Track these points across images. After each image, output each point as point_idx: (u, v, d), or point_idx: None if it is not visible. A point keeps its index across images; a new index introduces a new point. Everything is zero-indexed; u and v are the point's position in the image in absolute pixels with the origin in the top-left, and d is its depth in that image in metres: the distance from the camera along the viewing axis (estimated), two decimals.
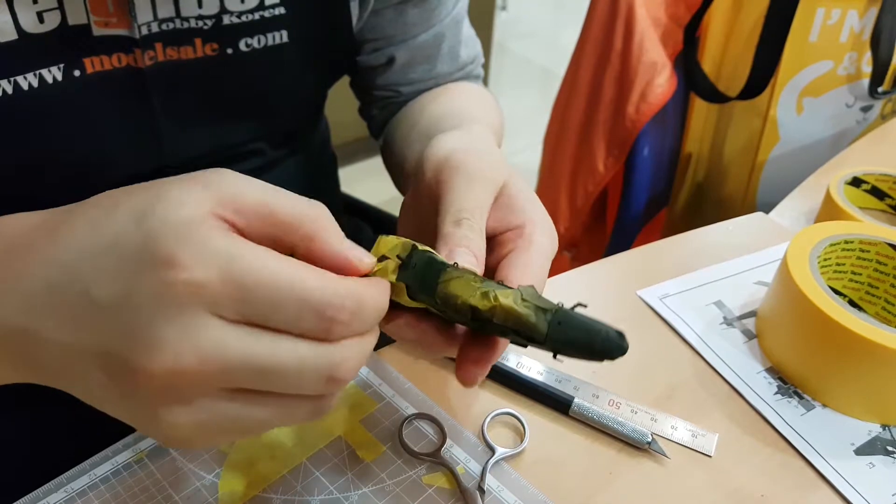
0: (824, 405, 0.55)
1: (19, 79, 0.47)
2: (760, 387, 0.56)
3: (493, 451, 0.50)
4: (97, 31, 0.49)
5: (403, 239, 0.37)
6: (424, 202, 0.45)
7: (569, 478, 0.49)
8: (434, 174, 0.44)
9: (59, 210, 0.34)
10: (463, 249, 0.38)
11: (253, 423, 0.32)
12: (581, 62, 1.18)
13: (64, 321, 0.30)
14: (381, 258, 0.37)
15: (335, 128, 0.85)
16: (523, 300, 0.35)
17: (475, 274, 0.36)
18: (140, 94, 0.53)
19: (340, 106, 0.97)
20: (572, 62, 1.21)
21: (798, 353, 0.56)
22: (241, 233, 0.31)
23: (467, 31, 0.72)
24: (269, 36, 0.56)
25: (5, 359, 0.33)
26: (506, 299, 0.35)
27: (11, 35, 0.46)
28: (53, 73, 0.48)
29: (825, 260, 0.60)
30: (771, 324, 0.59)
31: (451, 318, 0.37)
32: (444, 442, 0.50)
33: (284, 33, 0.57)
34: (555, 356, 0.35)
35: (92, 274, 0.30)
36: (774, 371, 0.58)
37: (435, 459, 0.49)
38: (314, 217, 0.32)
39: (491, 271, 0.42)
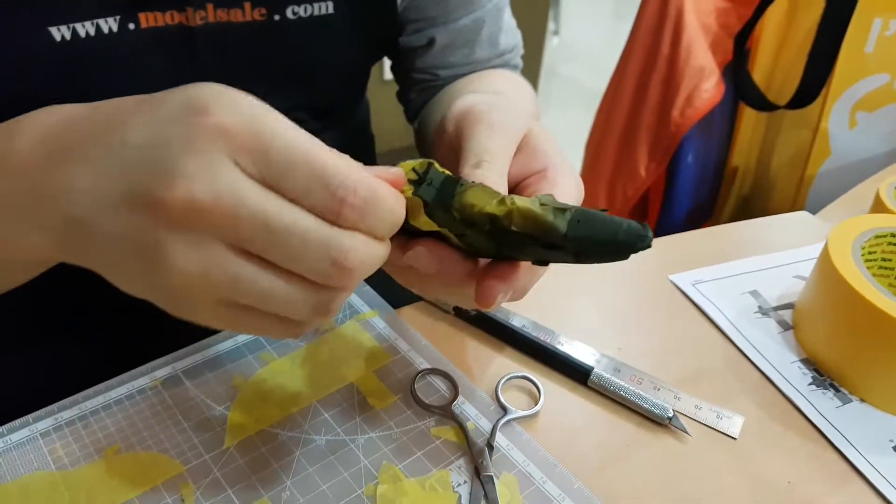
0: (862, 399, 0.53)
1: (77, 26, 0.48)
2: (794, 377, 0.54)
3: (505, 411, 0.48)
4: None
5: (421, 159, 0.37)
6: (446, 157, 0.44)
7: (583, 446, 0.48)
8: (456, 126, 0.43)
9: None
10: (486, 174, 0.38)
11: (256, 293, 0.31)
12: (627, 66, 1.17)
13: (96, 164, 0.31)
14: None
15: (381, 135, 0.85)
16: (541, 204, 0.34)
17: (492, 189, 0.35)
18: (190, 53, 0.54)
19: (389, 113, 0.97)
20: (618, 66, 1.20)
21: (837, 344, 0.54)
22: None
23: (508, 20, 0.72)
24: (316, 6, 0.57)
25: (39, 221, 0.33)
26: (522, 202, 0.34)
27: None
28: (109, 24, 0.49)
29: (870, 253, 0.58)
30: (809, 314, 0.57)
31: (469, 245, 0.37)
32: (455, 397, 0.49)
33: (330, 4, 0.57)
34: (576, 259, 0.34)
35: (130, 122, 0.31)
36: (810, 363, 0.56)
37: (445, 413, 0.48)
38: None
39: None
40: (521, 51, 0.76)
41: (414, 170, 0.36)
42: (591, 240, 0.33)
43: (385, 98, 0.85)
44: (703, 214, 1.20)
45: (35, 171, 0.33)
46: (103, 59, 0.50)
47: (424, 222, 0.36)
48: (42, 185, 0.33)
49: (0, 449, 0.44)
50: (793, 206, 1.12)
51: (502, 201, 0.34)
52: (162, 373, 0.49)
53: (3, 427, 0.45)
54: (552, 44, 3.26)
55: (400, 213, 0.34)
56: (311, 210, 0.31)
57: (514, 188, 0.42)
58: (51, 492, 0.42)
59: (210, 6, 0.52)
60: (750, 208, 1.19)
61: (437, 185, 0.36)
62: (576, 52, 3.27)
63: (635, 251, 0.33)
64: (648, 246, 0.32)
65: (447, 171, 0.37)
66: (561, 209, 0.34)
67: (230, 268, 0.30)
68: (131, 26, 0.50)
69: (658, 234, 1.18)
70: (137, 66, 0.52)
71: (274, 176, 0.30)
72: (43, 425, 0.45)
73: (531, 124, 0.44)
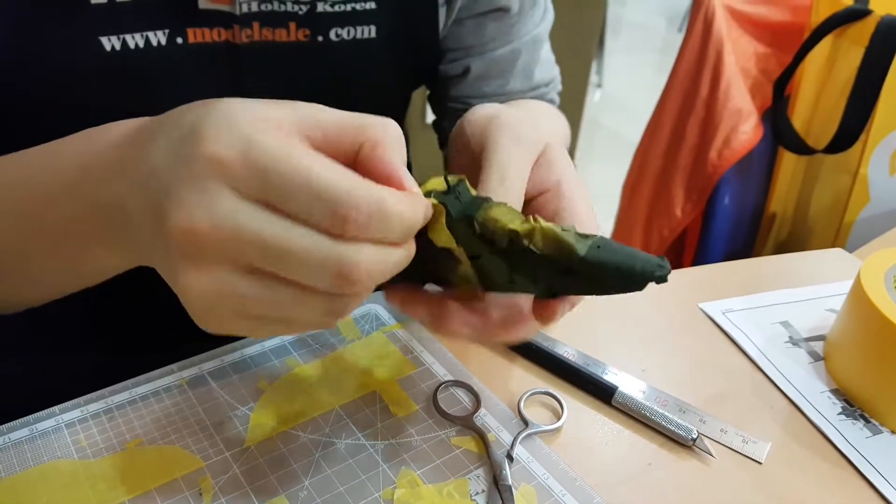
0: (893, 431, 0.51)
1: (127, 37, 0.50)
2: (823, 406, 0.53)
3: (527, 424, 0.48)
4: (203, 3, 0.52)
5: (454, 175, 0.38)
6: (465, 160, 0.45)
7: (603, 462, 0.47)
8: (480, 130, 0.43)
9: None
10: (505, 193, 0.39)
11: (266, 305, 0.32)
12: (665, 107, 1.18)
13: (133, 184, 0.34)
14: (427, 194, 0.37)
15: (419, 177, 0.87)
16: (563, 229, 0.35)
17: (517, 211, 0.36)
18: (235, 70, 0.56)
19: (430, 154, 0.99)
20: (657, 108, 1.21)
21: (868, 374, 0.53)
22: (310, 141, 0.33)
23: (546, 54, 0.73)
24: (359, 29, 0.58)
25: (103, 234, 0.38)
26: (546, 223, 0.35)
27: None
28: (158, 38, 0.51)
29: None
30: (841, 344, 0.56)
31: (480, 269, 0.37)
32: (477, 409, 0.49)
33: (373, 28, 0.59)
34: (589, 288, 0.34)
35: (157, 146, 0.33)
36: (840, 393, 0.54)
37: (467, 424, 0.48)
38: (385, 124, 0.34)
39: None
40: (558, 87, 0.76)
41: (446, 179, 0.37)
42: (608, 264, 0.33)
43: (427, 140, 0.86)
44: (738, 258, 1.19)
45: (97, 184, 0.37)
46: (150, 72, 0.52)
47: (442, 235, 0.36)
48: (103, 196, 0.37)
49: (26, 437, 0.45)
50: None
51: (527, 220, 0.35)
52: (188, 373, 0.50)
53: (29, 416, 0.46)
54: (595, 97, 3.29)
55: (413, 217, 0.33)
56: (317, 227, 0.31)
57: (527, 206, 0.43)
58: (70, 479, 0.42)
59: (256, 25, 0.54)
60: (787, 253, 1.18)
61: (463, 200, 0.36)
62: (619, 105, 3.29)
63: (652, 280, 0.33)
64: (665, 278, 0.33)
65: (476, 192, 0.37)
66: (583, 235, 0.34)
67: (238, 287, 0.32)
68: (179, 41, 0.52)
69: None
70: (183, 80, 0.54)
71: (275, 199, 0.31)
72: (69, 416, 0.46)
73: (548, 140, 0.44)
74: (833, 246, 1.10)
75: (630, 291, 0.34)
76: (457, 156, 0.47)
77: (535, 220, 0.35)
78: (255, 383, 0.50)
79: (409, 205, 0.33)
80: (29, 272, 0.45)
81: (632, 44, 3.83)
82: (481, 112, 0.45)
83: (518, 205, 0.39)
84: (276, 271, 0.32)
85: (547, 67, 0.73)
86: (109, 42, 0.50)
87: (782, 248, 1.19)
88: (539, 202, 0.42)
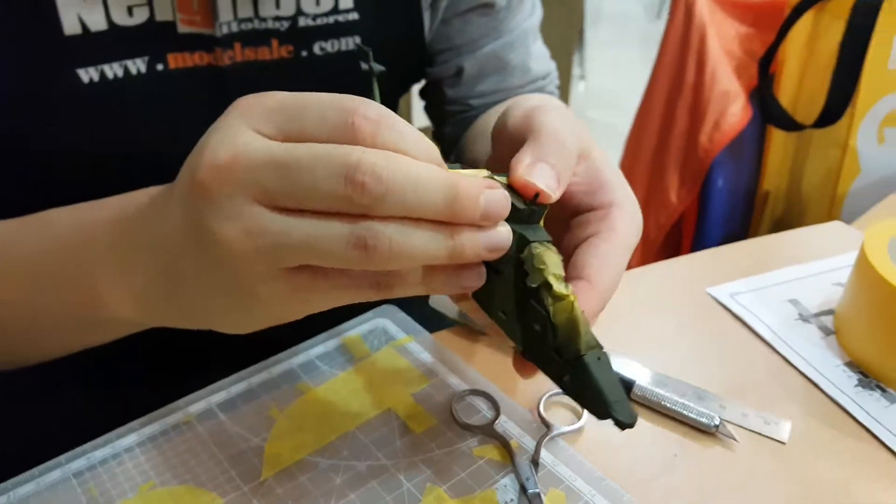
0: None
1: (105, 67, 0.49)
2: (840, 380, 0.53)
3: (548, 427, 0.47)
4: (182, 28, 0.51)
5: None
6: (507, 152, 0.44)
7: (629, 458, 0.47)
8: (522, 121, 0.41)
9: None
10: (545, 165, 0.37)
11: (293, 239, 0.31)
12: (653, 95, 1.17)
13: (155, 196, 0.39)
14: None
15: None
16: (586, 324, 0.34)
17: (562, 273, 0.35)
18: (219, 93, 0.55)
19: None
20: (644, 97, 1.20)
21: (880, 344, 0.52)
22: None
23: (540, 48, 0.72)
24: (343, 41, 0.57)
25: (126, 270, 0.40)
26: (578, 306, 0.34)
27: (102, 26, 0.49)
28: (138, 66, 0.51)
29: None
30: (850, 317, 0.56)
31: (488, 284, 0.36)
32: (497, 416, 0.48)
33: (357, 39, 0.58)
34: (560, 381, 0.34)
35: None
36: (854, 366, 0.54)
37: (488, 432, 0.47)
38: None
39: (567, 253, 0.40)
40: (556, 80, 0.75)
41: (530, 200, 0.36)
42: (592, 380, 0.32)
43: None
44: (736, 239, 1.19)
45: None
46: (131, 101, 0.51)
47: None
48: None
49: (32, 492, 0.43)
50: None
51: (566, 286, 0.34)
52: (196, 408, 0.49)
53: (34, 469, 0.45)
54: (578, 89, 3.29)
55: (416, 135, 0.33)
56: (329, 139, 0.32)
57: (571, 219, 0.41)
58: None
59: (238, 45, 0.53)
60: (783, 231, 1.18)
61: (528, 220, 0.36)
62: (602, 97, 3.29)
63: (612, 420, 0.32)
64: (623, 427, 0.32)
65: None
66: (595, 342, 0.33)
67: (263, 221, 0.31)
68: (160, 67, 0.51)
69: None
70: (167, 107, 0.53)
71: (292, 125, 0.32)
72: (76, 465, 0.45)
73: (591, 140, 0.43)
74: (828, 219, 1.10)
75: (586, 410, 0.33)
76: (501, 149, 0.44)
77: (573, 296, 0.34)
78: (266, 412, 0.49)
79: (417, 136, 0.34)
80: (39, 333, 0.45)
81: (611, 34, 3.83)
82: (523, 102, 0.43)
83: (563, 168, 0.37)
84: (295, 195, 0.31)
85: (542, 61, 0.72)
86: (87, 74, 0.49)
87: (778, 225, 1.19)
88: (583, 221, 0.40)
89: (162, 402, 0.49)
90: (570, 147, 0.38)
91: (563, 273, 0.34)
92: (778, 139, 1.13)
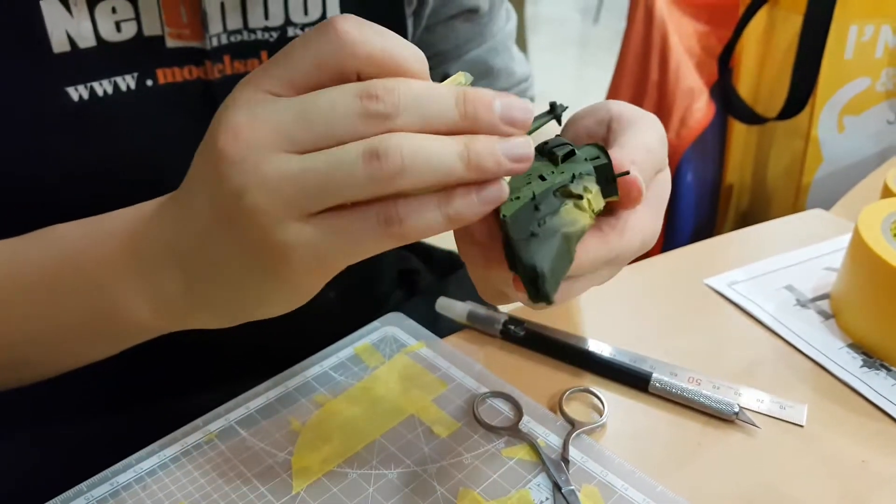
0: None
1: (95, 84, 0.48)
2: (845, 361, 0.54)
3: (573, 424, 0.47)
4: (171, 42, 0.50)
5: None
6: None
7: (654, 450, 0.47)
8: (618, 121, 0.43)
9: None
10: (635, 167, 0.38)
11: (312, 172, 0.31)
12: (617, 96, 1.19)
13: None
14: None
15: None
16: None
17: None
18: (210, 107, 0.54)
19: None
20: (608, 97, 1.22)
21: (880, 324, 0.54)
22: None
23: (517, 52, 0.73)
24: None
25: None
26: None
27: (91, 42, 0.47)
28: (127, 82, 0.49)
29: None
30: (848, 300, 0.57)
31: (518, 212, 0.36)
32: (521, 417, 0.48)
33: None
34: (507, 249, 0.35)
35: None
36: (856, 347, 0.55)
37: (513, 433, 0.47)
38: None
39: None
40: (533, 83, 0.76)
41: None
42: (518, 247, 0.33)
43: None
44: (705, 233, 1.22)
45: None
46: (120, 118, 0.50)
47: None
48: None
49: None
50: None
51: (592, 214, 0.35)
52: (215, 426, 0.48)
53: (56, 499, 0.43)
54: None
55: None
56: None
57: None
58: None
59: (227, 58, 0.53)
60: (750, 223, 1.21)
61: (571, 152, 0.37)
62: (546, 98, 3.33)
63: (535, 289, 0.32)
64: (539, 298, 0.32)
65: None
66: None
67: (284, 166, 0.32)
68: (149, 83, 0.50)
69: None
70: (157, 122, 0.52)
71: (308, 76, 0.33)
72: (98, 492, 0.43)
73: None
74: (794, 209, 1.14)
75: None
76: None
77: (591, 216, 0.35)
78: (288, 426, 0.48)
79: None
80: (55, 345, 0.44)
81: (552, 40, 3.88)
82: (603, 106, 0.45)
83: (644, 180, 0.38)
84: (312, 136, 0.32)
85: (523, 64, 0.72)
86: (77, 92, 0.48)
87: (744, 216, 1.22)
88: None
89: (171, 423, 0.48)
90: (656, 165, 0.40)
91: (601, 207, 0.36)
92: (739, 133, 1.16)
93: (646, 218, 0.40)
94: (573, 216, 0.34)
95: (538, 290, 0.32)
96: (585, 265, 0.36)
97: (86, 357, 0.47)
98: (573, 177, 0.36)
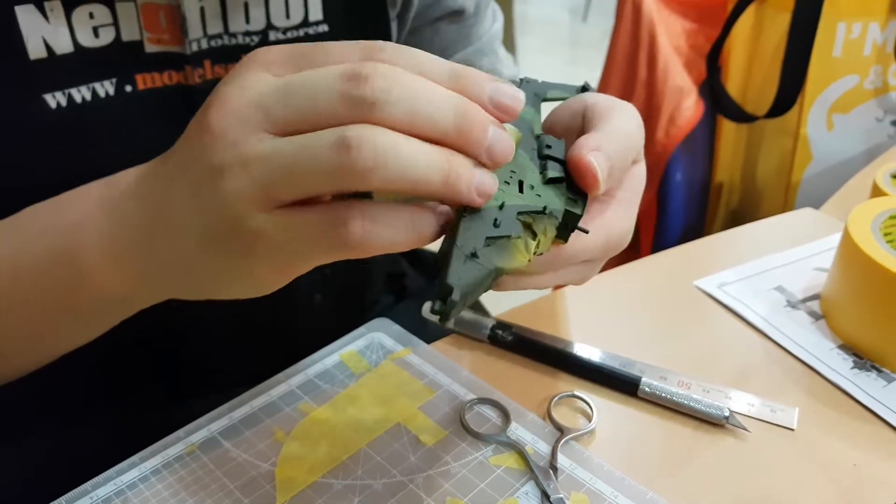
0: None
1: (73, 91, 0.47)
2: (835, 363, 0.53)
3: (561, 431, 0.47)
4: (150, 47, 0.49)
5: None
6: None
7: (644, 456, 0.46)
8: (593, 109, 0.42)
9: None
10: (600, 153, 0.37)
11: (282, 155, 0.31)
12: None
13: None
14: None
15: None
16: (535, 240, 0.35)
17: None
18: (190, 112, 0.53)
19: None
20: None
21: (871, 325, 0.54)
22: None
23: (504, 53, 0.73)
24: None
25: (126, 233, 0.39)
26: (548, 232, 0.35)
27: (68, 48, 0.47)
28: (106, 88, 0.49)
29: (886, 234, 0.58)
30: (839, 302, 0.57)
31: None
32: (508, 424, 0.47)
33: None
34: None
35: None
36: (847, 348, 0.55)
37: (501, 441, 0.46)
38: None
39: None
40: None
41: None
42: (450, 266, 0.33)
43: None
44: (695, 233, 1.21)
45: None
46: (99, 124, 0.49)
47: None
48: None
49: None
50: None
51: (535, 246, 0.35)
52: (197, 437, 0.47)
53: None
54: None
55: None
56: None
57: None
58: None
59: (208, 63, 0.52)
60: (740, 222, 1.21)
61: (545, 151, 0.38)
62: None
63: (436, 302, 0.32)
64: (437, 313, 0.32)
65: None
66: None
67: (260, 146, 0.31)
68: (128, 89, 0.49)
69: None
70: (136, 128, 0.51)
71: (304, 62, 0.33)
72: None
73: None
74: (784, 207, 1.13)
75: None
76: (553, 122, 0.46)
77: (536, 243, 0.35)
78: (272, 436, 0.47)
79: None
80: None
81: (542, 40, 3.88)
82: (578, 98, 0.44)
83: (617, 175, 0.38)
84: (295, 116, 0.31)
85: (509, 64, 0.72)
86: (54, 99, 0.47)
87: (734, 214, 1.21)
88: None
89: (151, 434, 0.47)
90: (631, 152, 0.39)
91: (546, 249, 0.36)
92: (728, 131, 1.16)
93: (610, 214, 0.39)
94: (515, 255, 0.34)
95: (442, 307, 0.32)
96: (533, 267, 0.36)
97: (53, 341, 0.45)
98: (544, 209, 0.35)
